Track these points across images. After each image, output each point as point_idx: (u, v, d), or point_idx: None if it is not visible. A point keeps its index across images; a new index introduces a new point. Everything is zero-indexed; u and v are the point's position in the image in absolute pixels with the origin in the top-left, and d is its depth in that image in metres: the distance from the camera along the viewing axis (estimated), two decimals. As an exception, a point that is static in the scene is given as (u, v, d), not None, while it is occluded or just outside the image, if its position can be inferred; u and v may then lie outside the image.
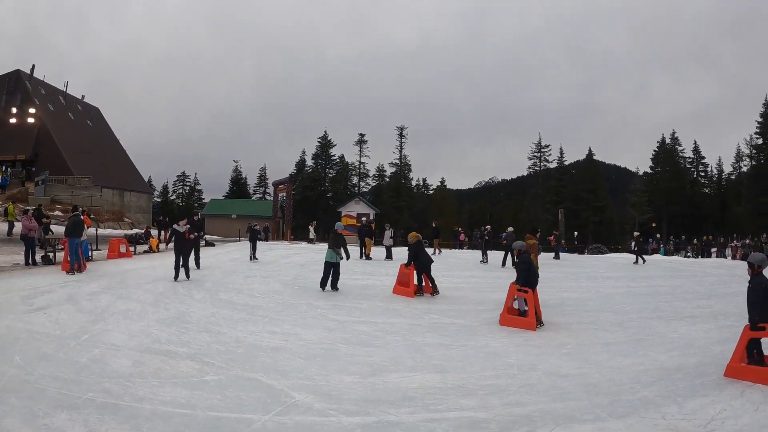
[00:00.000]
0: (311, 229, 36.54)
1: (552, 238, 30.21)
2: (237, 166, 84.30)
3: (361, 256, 22.72)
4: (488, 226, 27.31)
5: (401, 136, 76.11)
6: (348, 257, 14.23)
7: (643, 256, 26.55)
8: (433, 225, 29.96)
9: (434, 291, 14.00)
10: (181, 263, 14.47)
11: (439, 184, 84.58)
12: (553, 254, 28.22)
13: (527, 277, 10.82)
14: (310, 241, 35.45)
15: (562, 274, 19.52)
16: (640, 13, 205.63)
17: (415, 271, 14.02)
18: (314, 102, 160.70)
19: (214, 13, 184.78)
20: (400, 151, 76.21)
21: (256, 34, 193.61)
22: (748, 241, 35.45)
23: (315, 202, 70.11)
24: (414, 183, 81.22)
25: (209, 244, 29.64)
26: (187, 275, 14.61)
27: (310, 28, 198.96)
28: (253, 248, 21.36)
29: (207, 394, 6.22)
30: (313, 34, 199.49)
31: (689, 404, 6.51)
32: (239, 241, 35.93)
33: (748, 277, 7.88)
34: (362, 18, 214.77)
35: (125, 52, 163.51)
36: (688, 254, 37.11)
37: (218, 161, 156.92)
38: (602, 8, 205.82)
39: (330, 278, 13.86)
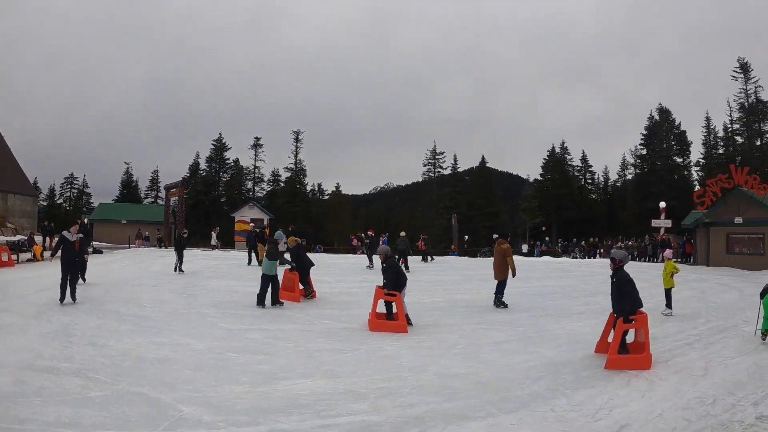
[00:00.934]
0: (213, 235, 35.20)
1: (421, 241, 30.41)
2: (128, 168, 79.35)
3: (249, 263, 22.07)
4: (370, 231, 27.27)
5: (297, 140, 75.25)
6: (291, 266, 13.69)
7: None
8: (290, 228, 29.53)
9: (308, 294, 13.99)
10: (69, 279, 12.28)
11: (335, 189, 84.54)
12: (420, 257, 28.39)
13: (396, 281, 10.91)
14: (213, 248, 34.12)
15: (455, 277, 19.90)
16: (532, 29, 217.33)
17: (299, 276, 13.84)
18: (211, 104, 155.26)
19: (109, 10, 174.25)
20: (296, 156, 75.30)
21: (153, 34, 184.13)
22: (631, 243, 38.06)
23: (209, 207, 67.96)
24: (309, 188, 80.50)
25: (97, 251, 27.80)
26: (73, 297, 12.31)
27: (210, 29, 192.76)
28: (180, 259, 18.93)
29: (92, 411, 5.81)
30: (212, 35, 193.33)
31: (577, 396, 6.81)
32: (129, 247, 34.06)
33: (616, 272, 8.59)
34: (263, 22, 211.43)
35: (12, 43, 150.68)
36: (576, 255, 39.13)
37: (109, 163, 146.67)
38: (496, 23, 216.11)
39: (270, 292, 12.89)
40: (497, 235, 18.07)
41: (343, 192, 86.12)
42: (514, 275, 13.59)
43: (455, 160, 76.48)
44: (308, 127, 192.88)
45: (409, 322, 10.73)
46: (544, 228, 60.36)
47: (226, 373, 7.38)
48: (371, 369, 7.77)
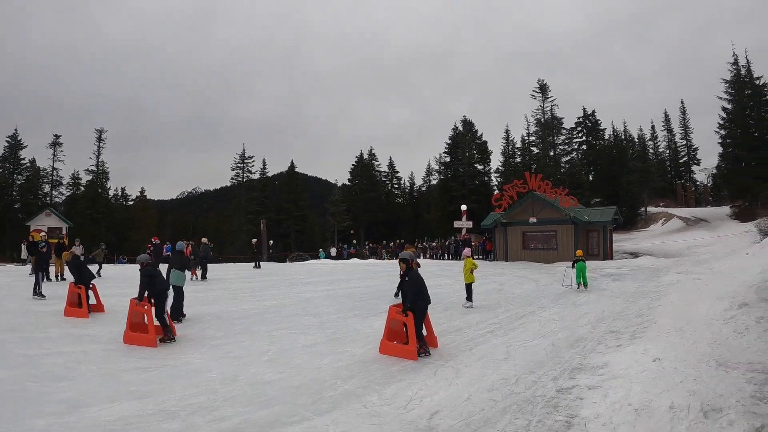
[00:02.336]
0: (23, 247, 31.03)
1: (188, 248, 27.33)
2: None
3: (42, 278, 19.35)
4: (155, 239, 25.55)
5: (100, 140, 68.35)
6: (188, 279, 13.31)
7: (260, 262, 28.50)
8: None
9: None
10: None
11: (140, 194, 79.07)
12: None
13: (152, 291, 10.46)
14: (23, 262, 29.99)
15: (263, 283, 19.58)
16: (350, 40, 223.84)
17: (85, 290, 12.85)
18: (6, 95, 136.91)
19: None
20: (98, 157, 68.39)
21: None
22: (435, 243, 40.51)
23: (1, 213, 59.86)
24: (112, 193, 73.94)
25: None
26: None
27: (9, 9, 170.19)
28: (40, 278, 15.49)
29: None
30: (10, 12, 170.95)
31: (388, 390, 7.05)
32: None
33: (414, 270, 9.28)
34: (73, 6, 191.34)
35: None
36: (383, 257, 40.51)
37: None
38: (315, 32, 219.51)
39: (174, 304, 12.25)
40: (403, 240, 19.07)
41: (148, 197, 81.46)
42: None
43: (264, 164, 75.63)
44: (112, 125, 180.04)
45: (169, 337, 10.30)
46: (352, 231, 62.16)
47: (26, 405, 6.57)
48: (180, 385, 7.41)
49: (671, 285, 15.82)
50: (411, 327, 8.84)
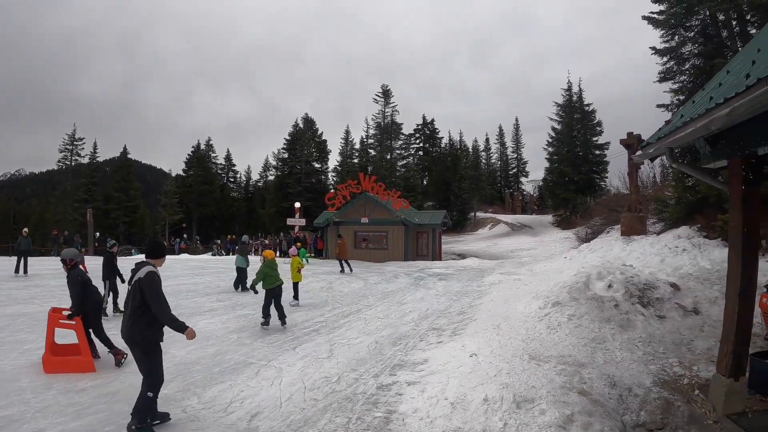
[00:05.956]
0: None
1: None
2: None
3: None
4: None
5: None
6: None
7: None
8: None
9: None
10: None
11: None
12: None
13: None
14: None
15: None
16: (196, 24, 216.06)
17: None
18: None
19: None
20: None
21: None
22: (267, 241, 40.20)
23: None
24: None
25: None
26: None
27: None
28: None
29: None
30: None
31: (208, 393, 6.86)
32: None
33: (75, 269, 8.57)
34: None
35: None
36: (215, 252, 39.40)
37: None
38: (158, 11, 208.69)
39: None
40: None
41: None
42: None
43: (95, 147, 69.65)
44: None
45: None
46: (184, 225, 59.97)
47: None
48: (-12, 397, 6.66)
49: (493, 285, 16.73)
50: (81, 334, 8.12)
